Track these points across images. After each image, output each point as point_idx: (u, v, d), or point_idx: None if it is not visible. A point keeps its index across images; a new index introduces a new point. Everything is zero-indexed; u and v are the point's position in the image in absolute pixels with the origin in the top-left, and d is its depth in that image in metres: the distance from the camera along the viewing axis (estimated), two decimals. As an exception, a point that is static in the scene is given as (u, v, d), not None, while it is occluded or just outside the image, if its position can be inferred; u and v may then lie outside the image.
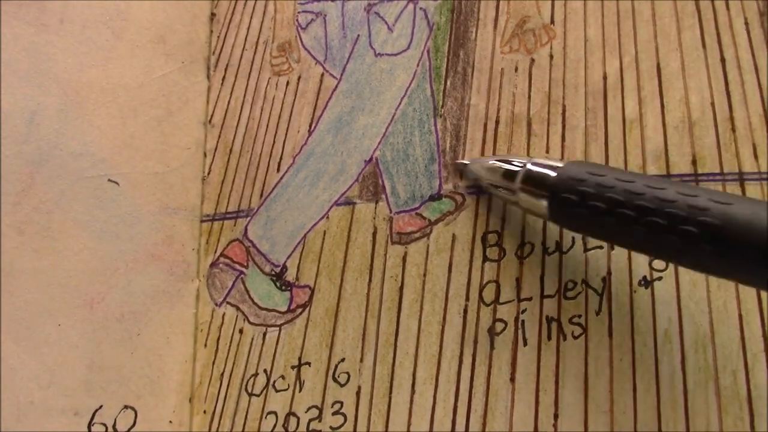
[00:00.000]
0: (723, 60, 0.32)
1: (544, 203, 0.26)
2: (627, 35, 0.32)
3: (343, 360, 0.32)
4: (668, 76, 0.32)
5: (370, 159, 0.34)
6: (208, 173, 0.36)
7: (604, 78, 0.32)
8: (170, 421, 0.33)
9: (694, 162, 0.31)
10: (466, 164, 0.32)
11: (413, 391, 0.30)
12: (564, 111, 0.32)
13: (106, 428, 0.32)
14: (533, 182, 0.27)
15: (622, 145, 0.31)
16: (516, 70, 0.33)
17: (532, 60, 0.33)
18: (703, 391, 0.28)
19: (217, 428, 0.33)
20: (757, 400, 0.28)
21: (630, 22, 0.33)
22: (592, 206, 0.24)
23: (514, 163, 0.28)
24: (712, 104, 0.31)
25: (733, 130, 0.31)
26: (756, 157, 0.30)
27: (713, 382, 0.28)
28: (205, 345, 0.34)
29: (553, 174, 0.26)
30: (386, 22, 0.35)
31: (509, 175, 0.28)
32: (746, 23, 0.32)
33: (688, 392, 0.28)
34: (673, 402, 0.28)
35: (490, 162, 0.30)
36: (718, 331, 0.29)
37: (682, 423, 0.28)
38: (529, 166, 0.27)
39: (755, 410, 0.28)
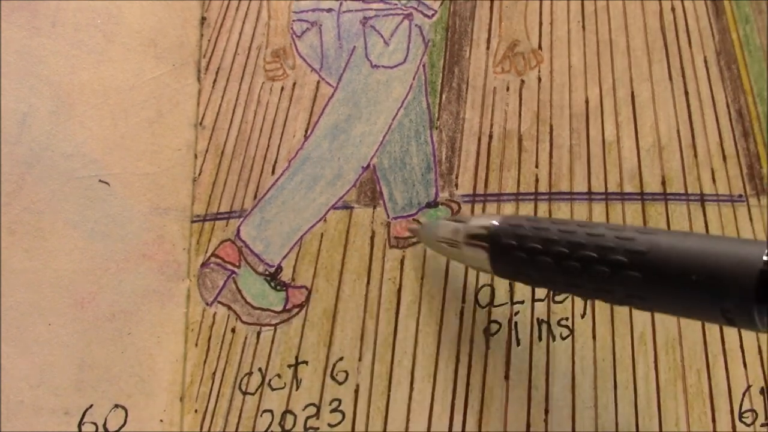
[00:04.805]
0: (686, 92, 0.35)
1: (485, 254, 0.28)
2: (606, 64, 0.35)
3: (341, 359, 0.33)
4: (641, 104, 0.35)
5: (368, 165, 0.35)
6: (199, 174, 0.36)
7: (586, 102, 0.35)
8: (161, 420, 0.33)
9: (663, 183, 0.34)
10: (420, 224, 0.33)
11: (412, 389, 0.32)
12: (551, 130, 0.35)
13: (97, 427, 0.32)
14: (476, 233, 0.28)
15: (602, 164, 0.34)
16: (507, 89, 0.35)
17: (522, 81, 0.35)
18: (673, 388, 0.31)
19: (209, 427, 0.33)
20: (717, 396, 0.31)
21: (608, 52, 0.36)
22: (529, 248, 0.25)
23: (459, 219, 0.30)
24: (678, 131, 0.35)
25: (695, 155, 0.34)
26: (714, 181, 0.34)
27: (681, 380, 0.31)
28: (196, 344, 0.35)
29: (494, 223, 0.28)
30: (382, 36, 0.36)
31: (456, 230, 0.29)
32: (705, 61, 0.36)
33: (660, 389, 0.31)
34: (647, 398, 0.31)
35: (440, 221, 0.31)
36: (685, 335, 0.32)
37: (656, 417, 0.31)
38: (472, 221, 0.29)
39: (716, 406, 0.31)
